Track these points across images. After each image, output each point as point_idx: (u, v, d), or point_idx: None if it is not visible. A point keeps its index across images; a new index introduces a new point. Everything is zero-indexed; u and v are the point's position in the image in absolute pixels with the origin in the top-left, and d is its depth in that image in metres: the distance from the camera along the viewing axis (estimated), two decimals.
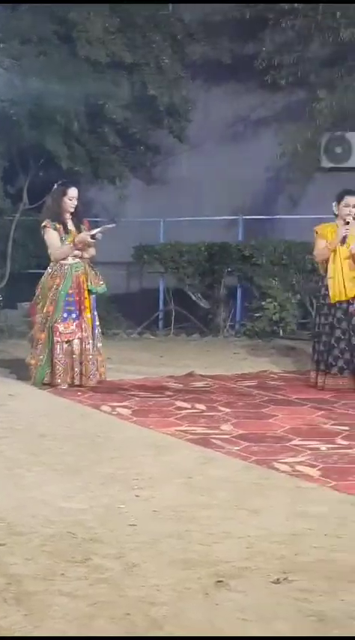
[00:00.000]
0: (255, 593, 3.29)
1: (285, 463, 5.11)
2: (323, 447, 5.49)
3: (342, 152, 12.05)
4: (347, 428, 6.06)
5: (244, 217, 12.19)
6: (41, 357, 7.54)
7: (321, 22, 10.68)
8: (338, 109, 10.94)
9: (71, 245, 7.56)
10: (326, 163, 12.10)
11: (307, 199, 12.00)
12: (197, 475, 4.90)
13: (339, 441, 5.70)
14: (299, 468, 5.02)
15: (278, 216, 12.36)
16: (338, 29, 10.47)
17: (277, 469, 5.01)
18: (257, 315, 11.02)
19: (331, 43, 11.10)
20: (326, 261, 7.56)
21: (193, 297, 11.81)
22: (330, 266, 7.52)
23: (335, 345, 7.49)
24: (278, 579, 3.41)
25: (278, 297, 10.96)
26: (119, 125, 11.50)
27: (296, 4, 10.55)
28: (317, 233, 7.68)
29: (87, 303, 7.59)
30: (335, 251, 7.48)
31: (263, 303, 10.99)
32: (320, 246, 7.62)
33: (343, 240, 7.43)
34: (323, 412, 6.62)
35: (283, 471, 4.97)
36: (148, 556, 3.64)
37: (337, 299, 7.49)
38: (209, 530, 3.95)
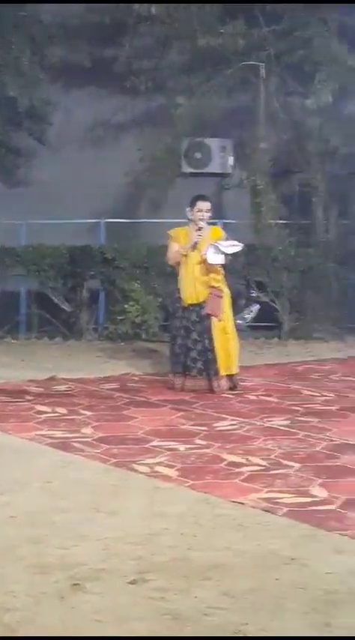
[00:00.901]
0: (111, 594, 3.33)
1: (144, 464, 5.19)
2: (182, 448, 5.60)
3: (202, 158, 12.23)
4: (204, 428, 6.20)
5: (106, 221, 12.20)
6: None
7: (179, 30, 10.82)
8: (196, 115, 11.11)
9: None
10: (186, 168, 12.27)
11: (168, 204, 12.13)
12: (56, 479, 4.90)
13: (197, 441, 5.83)
14: (157, 468, 5.11)
15: (140, 220, 12.44)
16: (195, 37, 10.64)
17: (136, 470, 5.07)
18: (119, 318, 11.05)
19: (188, 50, 11.26)
20: (179, 264, 7.72)
21: (56, 301, 11.72)
22: (182, 269, 7.69)
23: (192, 347, 7.63)
24: (134, 580, 3.46)
25: (140, 300, 11.04)
26: None
27: (153, 10, 10.62)
28: (170, 236, 7.84)
29: None
30: (186, 255, 7.64)
31: (125, 306, 11.03)
32: (173, 249, 7.78)
33: (194, 246, 7.59)
34: (182, 413, 6.74)
35: (142, 472, 5.04)
36: (4, 562, 3.63)
37: (189, 302, 7.64)
38: (66, 534, 3.97)
